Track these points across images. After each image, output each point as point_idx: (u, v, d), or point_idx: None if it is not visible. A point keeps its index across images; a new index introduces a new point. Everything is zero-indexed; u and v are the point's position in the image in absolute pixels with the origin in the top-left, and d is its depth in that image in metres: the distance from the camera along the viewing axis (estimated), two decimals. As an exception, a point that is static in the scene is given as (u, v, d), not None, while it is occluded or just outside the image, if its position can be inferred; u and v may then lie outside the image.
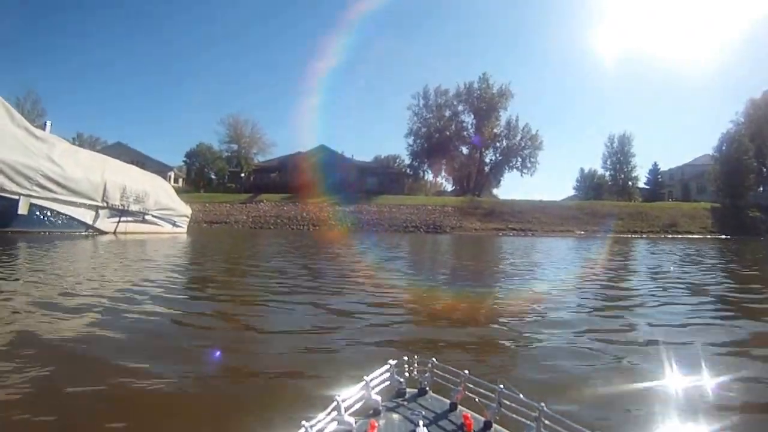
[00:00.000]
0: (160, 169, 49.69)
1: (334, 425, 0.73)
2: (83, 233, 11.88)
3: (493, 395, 0.80)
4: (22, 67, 73.33)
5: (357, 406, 0.79)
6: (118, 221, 13.10)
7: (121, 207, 13.04)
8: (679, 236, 29.05)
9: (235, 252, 8.97)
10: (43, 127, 14.28)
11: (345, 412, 0.75)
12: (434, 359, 0.92)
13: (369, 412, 0.81)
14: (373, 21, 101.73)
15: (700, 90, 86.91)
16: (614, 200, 43.75)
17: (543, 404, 0.73)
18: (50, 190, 10.88)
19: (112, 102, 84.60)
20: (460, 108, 51.54)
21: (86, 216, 12.01)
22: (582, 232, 31.30)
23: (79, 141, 43.16)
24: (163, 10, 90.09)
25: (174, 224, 16.14)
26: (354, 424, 0.74)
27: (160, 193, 15.35)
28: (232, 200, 40.80)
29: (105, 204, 12.47)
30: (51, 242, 8.47)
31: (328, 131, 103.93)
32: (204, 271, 5.54)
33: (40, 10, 75.43)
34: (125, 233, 13.14)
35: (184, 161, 52.15)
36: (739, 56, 76.11)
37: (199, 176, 50.88)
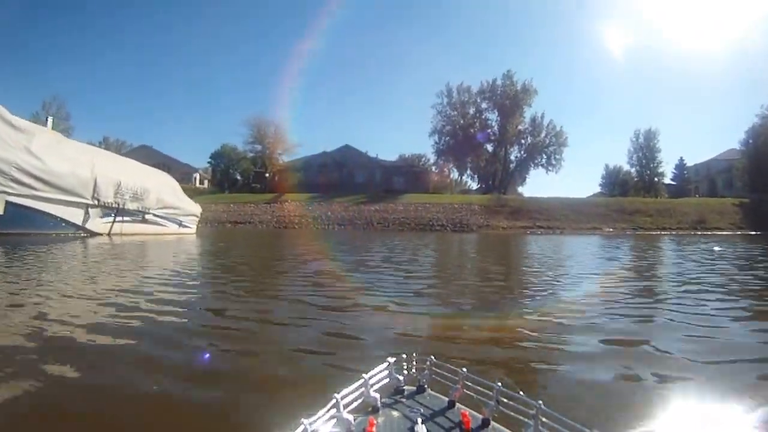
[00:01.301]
0: (186, 171, 50.02)
1: (333, 423, 0.73)
2: (71, 235, 10.63)
3: (491, 393, 0.79)
4: (47, 71, 75.17)
5: (356, 403, 0.79)
6: (113, 221, 11.82)
7: (115, 205, 11.75)
8: (708, 233, 27.31)
9: (238, 255, 7.39)
10: (45, 124, 13.26)
11: (344, 409, 0.75)
12: (433, 357, 0.91)
13: (368, 409, 0.80)
14: (392, 20, 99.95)
15: (726, 83, 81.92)
16: (641, 197, 42.50)
17: (541, 402, 0.72)
18: (29, 186, 9.65)
19: (137, 105, 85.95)
20: (484, 105, 51.20)
21: (74, 216, 10.76)
22: (610, 230, 30.07)
23: (106, 144, 43.50)
24: (186, 12, 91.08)
25: (180, 224, 14.85)
26: (353, 422, 0.74)
27: (164, 191, 14.04)
28: (257, 200, 40.54)
29: (96, 202, 11.19)
30: (25, 247, 7.12)
31: (352, 131, 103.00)
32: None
33: (64, 13, 77.47)
34: (121, 234, 11.88)
35: (209, 162, 52.03)
36: (766, 48, 70.42)
37: (224, 177, 50.70)
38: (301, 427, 0.68)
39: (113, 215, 11.82)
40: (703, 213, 34.13)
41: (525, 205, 36.36)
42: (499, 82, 49.32)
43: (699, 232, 27.50)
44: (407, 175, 49.84)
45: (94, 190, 11.05)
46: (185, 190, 43.13)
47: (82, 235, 10.96)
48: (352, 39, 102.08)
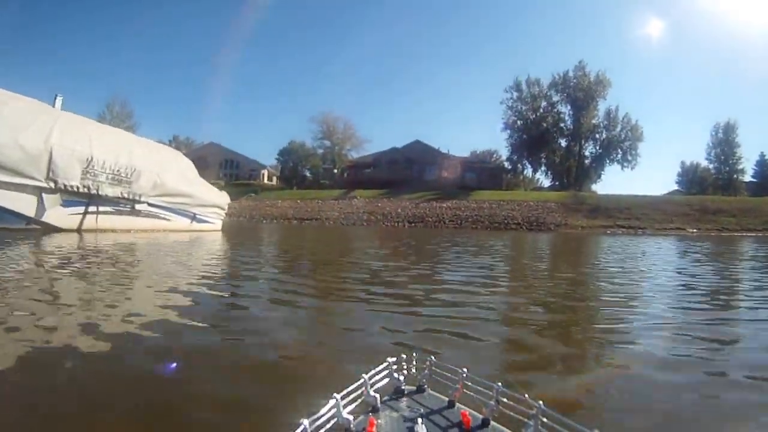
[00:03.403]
0: (254, 167, 49.61)
1: (333, 423, 0.72)
2: (21, 230, 7.88)
3: (491, 393, 0.78)
4: (118, 72, 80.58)
5: (356, 403, 0.78)
6: (84, 212, 8.95)
7: (84, 189, 8.82)
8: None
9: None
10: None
11: (344, 409, 0.74)
12: (432, 357, 0.91)
13: (368, 409, 0.80)
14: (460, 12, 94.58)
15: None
16: (719, 195, 41.07)
17: (541, 402, 0.72)
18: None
19: (206, 104, 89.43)
20: (556, 98, 49.43)
21: (21, 204, 7.93)
22: (694, 231, 28.26)
23: (176, 143, 44.06)
24: (254, 11, 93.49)
25: (194, 218, 11.77)
26: (353, 422, 0.74)
27: (166, 173, 10.87)
28: (325, 197, 40.13)
29: (53, 184, 8.29)
30: None
31: (423, 126, 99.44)
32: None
33: (138, 14, 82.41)
34: (96, 230, 8.99)
35: (277, 159, 51.53)
36: None
37: (293, 173, 49.79)
38: (301, 427, 0.67)
39: (85, 204, 8.95)
40: (789, 212, 31.12)
41: (603, 203, 34.59)
42: (571, 73, 47.23)
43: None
44: (480, 171, 47.33)
45: (49, 168, 8.15)
46: (252, 186, 41.58)
47: (40, 229, 8.21)
48: (422, 32, 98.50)
